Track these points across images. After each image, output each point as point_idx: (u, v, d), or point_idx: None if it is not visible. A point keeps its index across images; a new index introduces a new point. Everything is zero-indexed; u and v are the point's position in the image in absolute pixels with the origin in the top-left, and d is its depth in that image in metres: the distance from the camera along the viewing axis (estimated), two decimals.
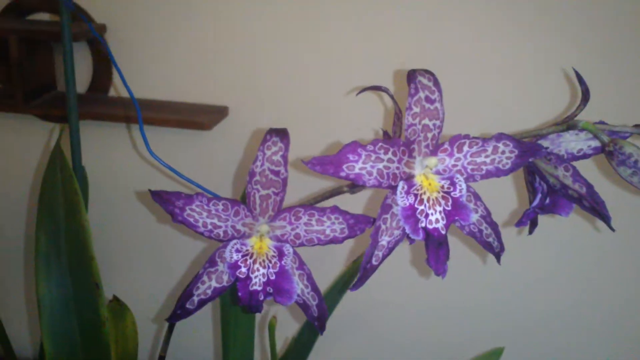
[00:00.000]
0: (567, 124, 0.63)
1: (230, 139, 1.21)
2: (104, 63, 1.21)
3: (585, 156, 0.68)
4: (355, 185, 0.72)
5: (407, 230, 0.60)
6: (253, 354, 1.02)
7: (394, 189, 0.61)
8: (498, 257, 0.67)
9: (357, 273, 1.17)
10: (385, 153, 0.60)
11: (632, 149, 0.58)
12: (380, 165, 0.60)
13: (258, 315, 1.13)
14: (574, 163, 0.68)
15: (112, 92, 1.24)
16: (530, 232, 0.76)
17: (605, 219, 0.62)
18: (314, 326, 1.14)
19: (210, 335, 1.38)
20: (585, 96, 0.69)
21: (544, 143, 0.68)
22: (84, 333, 0.86)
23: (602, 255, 1.18)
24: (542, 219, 0.74)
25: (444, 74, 1.07)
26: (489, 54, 1.09)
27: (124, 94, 1.22)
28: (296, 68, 1.15)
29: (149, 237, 1.31)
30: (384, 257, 0.62)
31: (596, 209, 0.62)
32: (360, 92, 0.76)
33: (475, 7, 1.07)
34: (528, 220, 0.69)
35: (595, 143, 0.67)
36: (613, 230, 0.63)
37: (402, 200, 0.60)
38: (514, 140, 0.62)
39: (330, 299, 1.16)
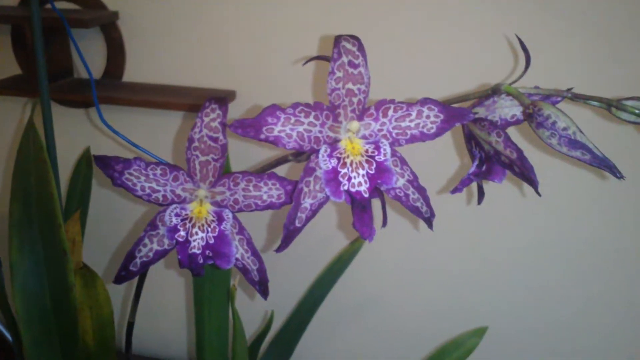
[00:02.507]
0: (492, 88, 0.63)
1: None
2: (117, 49, 1.23)
3: (518, 121, 0.67)
4: (299, 154, 0.74)
5: (329, 193, 0.61)
6: (228, 327, 1.04)
7: (317, 152, 0.62)
8: (429, 222, 0.67)
9: (352, 256, 1.19)
10: (306, 116, 0.61)
11: (551, 110, 0.58)
12: (300, 129, 0.61)
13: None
14: (510, 129, 0.68)
15: (125, 78, 1.26)
16: (479, 202, 0.76)
17: (533, 183, 0.62)
18: (303, 314, 1.16)
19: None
20: (527, 63, 0.68)
21: (480, 110, 0.68)
22: (53, 297, 0.90)
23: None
24: None
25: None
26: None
27: (137, 79, 1.25)
28: (301, 52, 1.15)
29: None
30: (307, 219, 0.63)
31: (525, 174, 0.62)
32: (306, 62, 0.77)
33: None
34: (463, 187, 0.69)
35: None
36: (539, 194, 0.62)
37: (324, 163, 0.61)
38: (439, 105, 0.62)
39: (324, 283, 1.18)
